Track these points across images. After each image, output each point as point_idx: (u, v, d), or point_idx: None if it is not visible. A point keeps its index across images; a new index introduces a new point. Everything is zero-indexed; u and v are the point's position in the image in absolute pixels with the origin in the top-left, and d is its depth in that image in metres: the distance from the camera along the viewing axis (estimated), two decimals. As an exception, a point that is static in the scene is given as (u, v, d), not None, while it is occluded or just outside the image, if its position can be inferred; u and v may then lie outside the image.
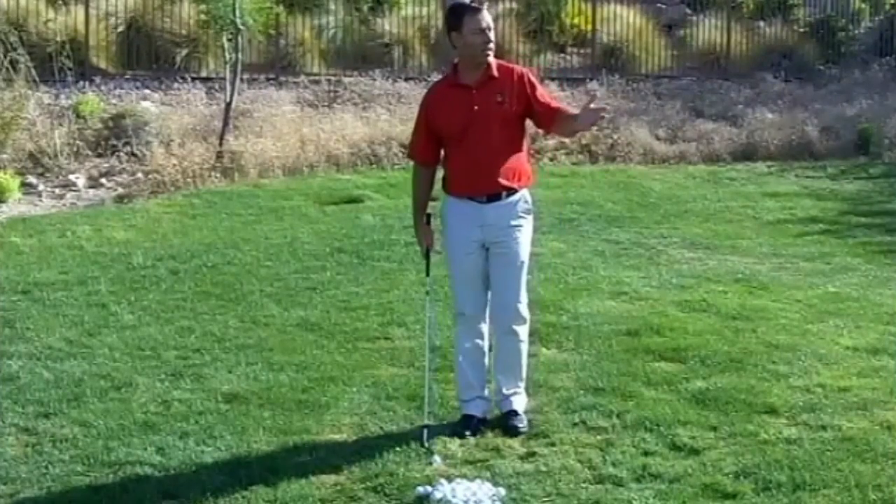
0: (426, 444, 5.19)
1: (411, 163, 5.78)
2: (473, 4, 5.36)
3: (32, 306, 7.69)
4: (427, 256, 5.57)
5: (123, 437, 5.36)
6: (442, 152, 5.52)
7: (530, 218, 5.50)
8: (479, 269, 5.43)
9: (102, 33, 15.23)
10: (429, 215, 5.54)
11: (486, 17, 5.35)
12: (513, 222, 5.41)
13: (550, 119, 5.45)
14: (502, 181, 5.35)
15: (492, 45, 5.34)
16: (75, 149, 12.58)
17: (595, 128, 14.47)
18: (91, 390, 6.00)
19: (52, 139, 12.45)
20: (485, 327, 5.52)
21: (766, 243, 10.21)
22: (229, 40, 12.99)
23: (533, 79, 5.46)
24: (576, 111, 5.44)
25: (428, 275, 5.61)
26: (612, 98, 15.95)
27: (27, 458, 5.15)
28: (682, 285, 8.38)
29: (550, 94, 5.60)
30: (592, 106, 5.33)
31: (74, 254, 9.30)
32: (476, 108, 5.33)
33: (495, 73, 5.38)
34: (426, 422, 5.36)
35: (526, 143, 5.54)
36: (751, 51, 18.62)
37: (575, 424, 5.51)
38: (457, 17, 5.37)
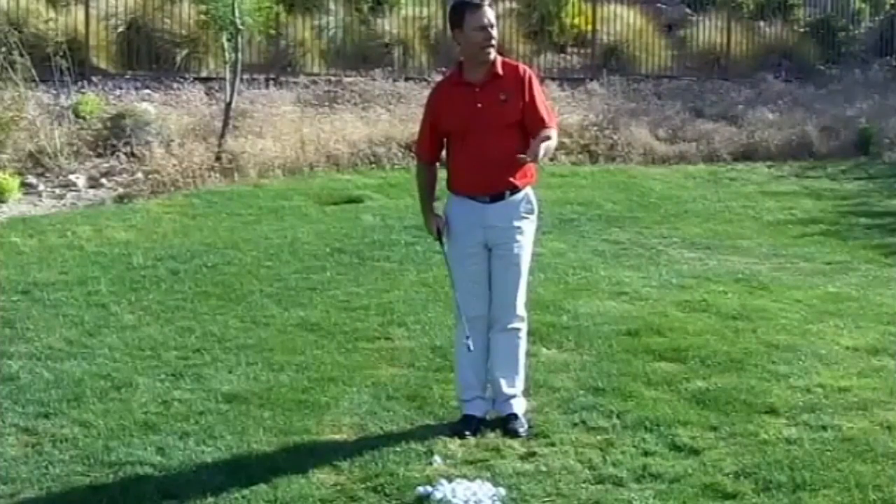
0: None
1: (413, 163, 5.78)
2: (475, 1, 5.32)
3: (32, 306, 7.69)
4: (439, 236, 5.49)
5: (123, 437, 5.36)
6: (443, 152, 5.52)
7: (533, 217, 5.49)
8: (482, 271, 5.41)
9: (102, 33, 15.22)
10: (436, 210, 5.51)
11: (488, 14, 5.32)
12: (516, 223, 5.40)
13: (532, 131, 5.35)
14: (506, 178, 5.34)
15: (493, 43, 5.32)
16: (75, 149, 12.58)
17: (595, 128, 14.59)
18: (91, 390, 6.00)
19: (51, 139, 12.45)
20: (486, 328, 5.51)
21: (766, 243, 10.22)
22: (229, 40, 12.99)
23: (535, 82, 5.44)
24: (542, 135, 5.25)
25: (442, 245, 5.50)
26: (612, 98, 15.98)
27: (27, 458, 5.15)
28: (682, 285, 8.38)
29: (546, 102, 5.53)
30: (531, 149, 5.18)
31: (74, 254, 9.30)
32: (479, 105, 5.32)
33: (500, 70, 5.37)
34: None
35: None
36: (751, 51, 18.62)
37: (575, 424, 5.51)
38: (459, 14, 5.36)
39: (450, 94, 5.46)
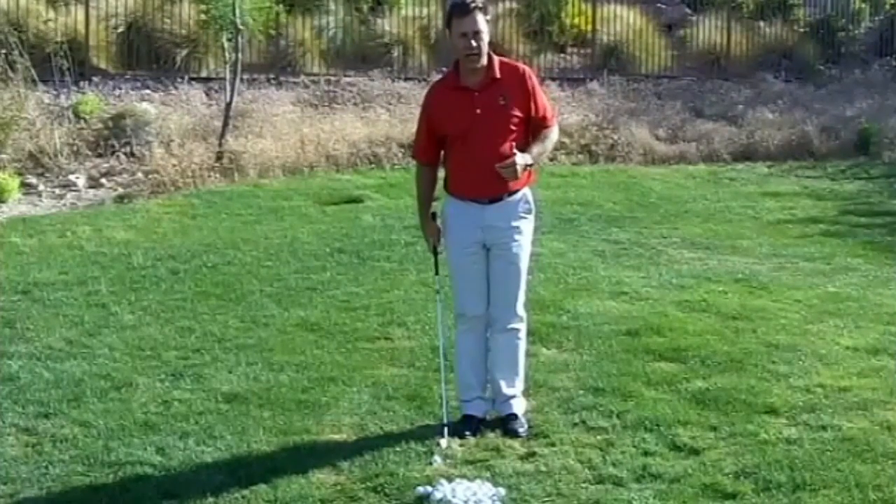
0: (446, 441, 5.20)
1: (412, 163, 5.77)
2: (464, 4, 5.25)
3: (32, 306, 7.69)
4: (435, 254, 5.58)
5: (123, 437, 5.36)
6: (442, 152, 5.51)
7: (531, 217, 5.48)
8: (481, 271, 5.41)
9: (102, 33, 15.23)
10: (433, 213, 5.54)
11: (473, 22, 5.23)
12: (514, 223, 5.39)
13: (532, 131, 5.39)
14: (505, 183, 5.29)
15: (475, 52, 5.24)
16: (75, 149, 12.60)
17: (595, 128, 14.59)
18: (91, 390, 6.01)
19: (51, 139, 12.47)
20: (485, 328, 5.51)
21: (766, 243, 10.21)
22: (229, 40, 13.00)
23: (535, 83, 5.40)
24: (534, 144, 5.34)
25: (437, 273, 5.60)
26: (612, 98, 15.98)
27: (27, 458, 5.16)
28: (682, 285, 8.38)
29: (547, 102, 5.50)
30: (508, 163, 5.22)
31: (74, 254, 9.30)
32: (478, 111, 5.29)
33: (497, 73, 5.33)
34: (444, 421, 5.35)
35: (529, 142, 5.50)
36: (751, 51, 18.62)
37: (575, 424, 5.51)
38: (448, 17, 5.37)
39: (447, 99, 5.42)
